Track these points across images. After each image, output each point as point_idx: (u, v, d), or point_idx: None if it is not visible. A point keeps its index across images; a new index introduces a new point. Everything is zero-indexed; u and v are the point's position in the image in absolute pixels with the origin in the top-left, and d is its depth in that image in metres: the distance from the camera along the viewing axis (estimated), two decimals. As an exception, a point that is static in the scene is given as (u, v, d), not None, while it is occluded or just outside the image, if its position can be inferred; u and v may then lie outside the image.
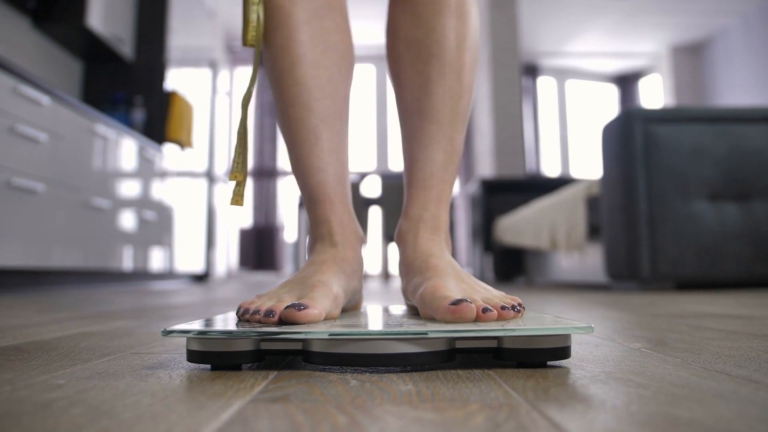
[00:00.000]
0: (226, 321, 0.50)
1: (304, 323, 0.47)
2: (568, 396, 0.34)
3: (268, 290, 0.60)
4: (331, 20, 0.69)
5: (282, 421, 0.29)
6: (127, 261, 2.88)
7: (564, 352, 0.44)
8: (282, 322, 0.48)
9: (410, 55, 0.68)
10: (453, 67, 0.67)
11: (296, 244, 4.51)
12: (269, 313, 0.49)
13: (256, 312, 0.50)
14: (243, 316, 0.51)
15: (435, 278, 0.55)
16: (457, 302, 0.48)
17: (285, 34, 0.66)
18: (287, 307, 0.48)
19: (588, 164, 7.15)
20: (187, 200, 3.71)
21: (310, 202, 0.66)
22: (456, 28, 0.67)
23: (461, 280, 0.56)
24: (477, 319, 0.47)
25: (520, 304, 0.52)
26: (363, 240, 0.67)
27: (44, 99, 2.24)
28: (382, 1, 5.64)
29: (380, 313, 0.58)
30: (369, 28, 6.19)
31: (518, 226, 3.34)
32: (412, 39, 0.68)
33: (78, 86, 3.44)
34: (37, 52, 3.03)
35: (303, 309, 0.48)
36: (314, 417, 0.30)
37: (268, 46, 0.67)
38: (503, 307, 0.49)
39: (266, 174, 6.60)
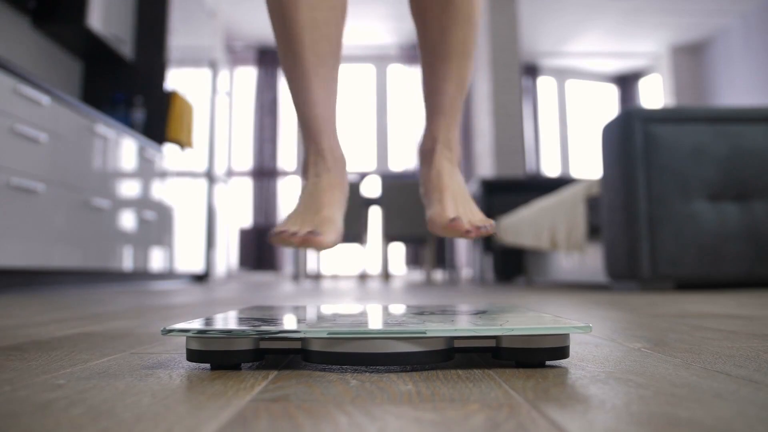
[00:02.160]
0: (226, 320, 0.50)
1: (318, 248, 0.66)
2: (568, 396, 0.34)
3: (288, 219, 0.75)
4: None
5: (282, 421, 0.29)
6: (127, 261, 2.88)
7: (562, 352, 0.44)
8: (303, 244, 0.65)
9: (431, 6, 0.78)
10: (466, 14, 0.76)
11: (296, 244, 4.50)
12: (293, 234, 0.67)
13: (293, 234, 0.67)
14: (280, 236, 0.68)
15: (441, 201, 0.74)
16: (451, 221, 0.70)
17: None
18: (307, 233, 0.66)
19: (588, 164, 7.15)
20: (187, 200, 3.72)
21: (307, 131, 0.77)
22: None
23: (457, 201, 0.75)
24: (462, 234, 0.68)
25: (491, 225, 0.71)
26: (347, 162, 0.81)
27: (44, 99, 2.24)
28: (385, 2, 5.65)
29: (380, 313, 0.58)
30: (371, 28, 6.19)
31: (518, 226, 3.34)
32: None
33: (78, 86, 3.44)
34: (37, 52, 3.03)
35: (318, 236, 0.66)
36: (314, 417, 0.30)
37: None
38: (478, 227, 0.70)
39: (266, 174, 6.60)
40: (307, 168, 0.78)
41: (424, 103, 0.82)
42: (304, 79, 0.75)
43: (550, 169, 6.99)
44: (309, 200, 0.74)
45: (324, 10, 0.75)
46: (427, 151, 0.81)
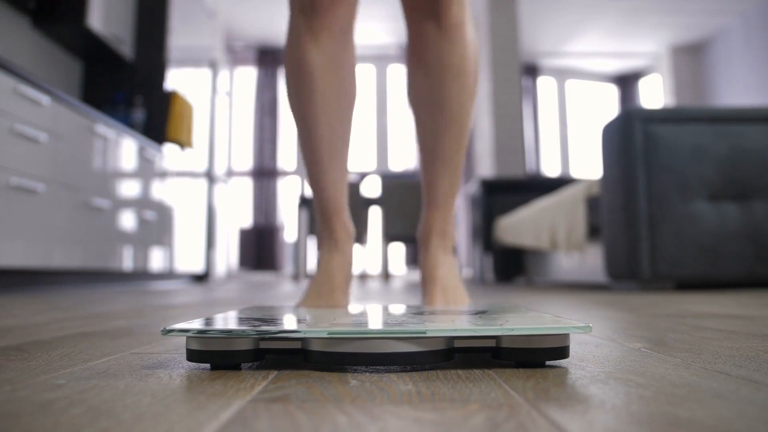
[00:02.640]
0: (226, 320, 0.50)
1: None
2: (568, 396, 0.34)
3: (306, 298, 0.85)
4: (346, 68, 0.89)
5: (282, 421, 0.29)
6: (127, 261, 2.88)
7: (562, 352, 0.44)
8: None
9: (425, 107, 0.90)
10: (457, 118, 0.88)
11: (296, 244, 4.50)
12: None
13: None
14: None
15: (432, 295, 0.86)
16: None
17: (308, 84, 0.86)
18: None
19: (588, 164, 7.15)
20: (187, 200, 3.71)
21: (320, 209, 0.92)
22: (458, 87, 0.87)
23: (447, 294, 0.86)
24: None
25: None
26: (354, 235, 0.94)
27: (44, 99, 2.24)
28: (385, 2, 5.65)
29: (380, 313, 0.58)
30: (371, 28, 6.19)
31: (518, 226, 3.34)
32: (425, 95, 0.89)
33: (78, 86, 3.44)
34: (37, 52, 3.03)
35: None
36: (314, 417, 0.30)
37: (292, 91, 0.88)
38: None
39: (266, 174, 6.60)
40: (321, 241, 0.93)
41: (422, 192, 0.95)
42: (319, 170, 0.90)
43: (550, 169, 6.99)
44: (324, 278, 0.89)
45: (340, 109, 0.88)
46: (425, 238, 0.93)
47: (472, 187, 4.48)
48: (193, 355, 0.44)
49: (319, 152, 0.88)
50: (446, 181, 0.91)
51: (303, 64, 0.86)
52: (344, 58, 0.88)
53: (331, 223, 0.91)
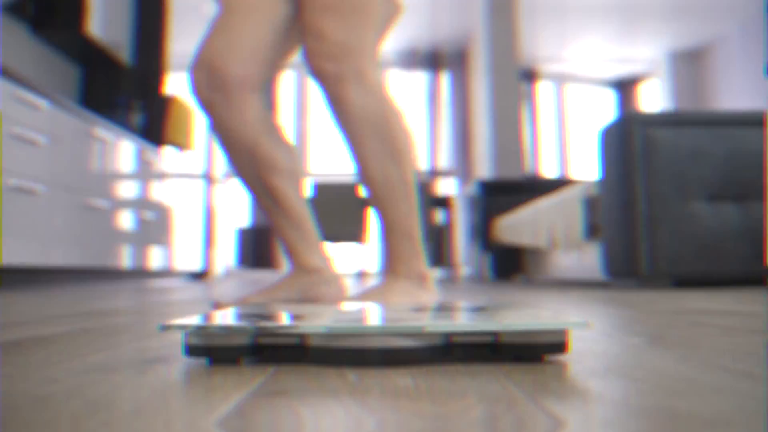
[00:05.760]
0: (225, 316, 0.50)
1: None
2: (566, 390, 0.34)
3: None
4: (245, 141, 1.02)
5: (281, 415, 0.29)
6: (126, 260, 2.88)
7: (561, 348, 0.44)
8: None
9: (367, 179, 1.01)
10: (366, 171, 0.96)
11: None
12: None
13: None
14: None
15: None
16: None
17: (227, 152, 1.05)
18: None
19: (586, 168, 7.15)
20: (186, 200, 3.71)
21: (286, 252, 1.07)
22: (355, 141, 0.95)
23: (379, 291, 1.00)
24: None
25: None
26: (319, 267, 1.06)
27: (44, 103, 2.24)
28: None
29: (378, 309, 0.58)
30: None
31: (517, 225, 3.34)
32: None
33: (77, 90, 3.44)
34: (37, 58, 3.03)
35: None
36: (313, 411, 0.30)
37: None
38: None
39: (265, 174, 6.60)
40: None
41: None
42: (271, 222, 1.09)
43: (548, 172, 7.00)
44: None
45: (249, 175, 1.05)
46: (385, 274, 1.03)
47: (471, 188, 4.48)
48: (192, 350, 0.44)
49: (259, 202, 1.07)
50: (392, 234, 0.98)
51: (218, 137, 1.04)
52: (239, 133, 1.01)
53: (289, 258, 1.06)
